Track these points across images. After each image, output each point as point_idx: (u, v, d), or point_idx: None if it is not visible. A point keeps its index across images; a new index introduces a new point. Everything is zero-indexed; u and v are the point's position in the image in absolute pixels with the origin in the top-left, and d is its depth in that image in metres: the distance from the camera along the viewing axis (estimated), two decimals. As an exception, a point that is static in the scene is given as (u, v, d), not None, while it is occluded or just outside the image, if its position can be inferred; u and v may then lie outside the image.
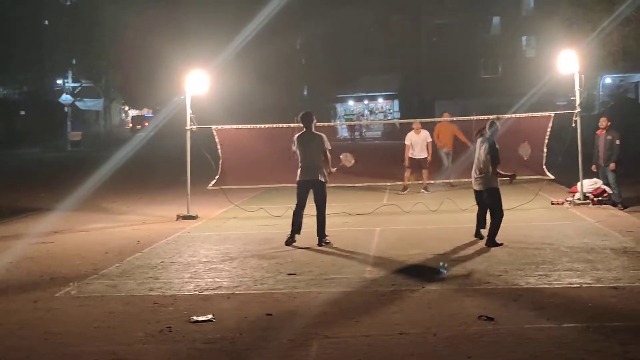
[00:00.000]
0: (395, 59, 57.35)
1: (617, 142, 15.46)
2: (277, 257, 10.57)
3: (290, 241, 11.46)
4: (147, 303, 8.16)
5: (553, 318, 7.02)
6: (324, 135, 11.68)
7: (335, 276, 9.19)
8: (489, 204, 11.16)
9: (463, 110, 39.46)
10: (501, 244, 10.71)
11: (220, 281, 9.10)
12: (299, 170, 11.62)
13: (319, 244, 11.39)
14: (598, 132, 15.79)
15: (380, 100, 62.88)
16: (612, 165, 15.38)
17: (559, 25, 22.36)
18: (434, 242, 11.28)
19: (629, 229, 12.00)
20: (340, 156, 13.33)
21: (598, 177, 15.72)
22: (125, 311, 7.87)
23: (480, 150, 11.16)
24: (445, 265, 9.38)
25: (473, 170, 11.44)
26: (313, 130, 11.67)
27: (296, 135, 11.87)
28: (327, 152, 11.57)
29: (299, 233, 11.53)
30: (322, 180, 11.50)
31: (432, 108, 53.54)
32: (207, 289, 8.69)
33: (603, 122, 15.74)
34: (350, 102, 63.70)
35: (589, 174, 15.71)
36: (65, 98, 50.64)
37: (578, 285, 8.26)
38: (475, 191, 11.46)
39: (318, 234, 11.49)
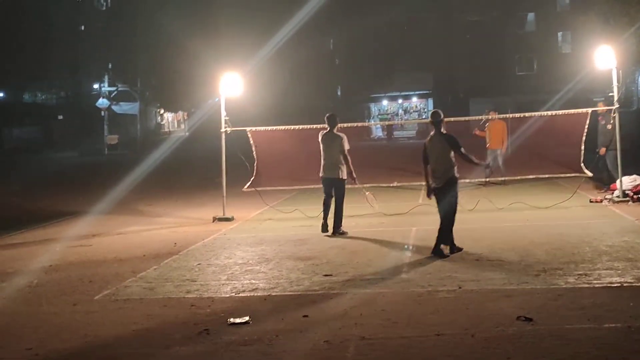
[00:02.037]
0: (428, 57, 57.06)
1: (609, 126, 15.64)
2: (313, 258, 10.57)
3: (324, 225, 12.68)
4: (185, 305, 8.21)
5: (593, 318, 6.91)
6: (344, 137, 12.62)
7: (371, 277, 9.17)
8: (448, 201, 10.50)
9: (497, 108, 39.04)
10: (452, 253, 10.34)
11: (256, 283, 9.12)
12: (321, 167, 12.77)
13: (333, 234, 12.47)
14: (599, 119, 15.80)
15: (414, 99, 62.67)
16: (602, 150, 15.55)
17: (595, 21, 22.01)
18: (470, 241, 11.17)
19: (669, 226, 11.80)
20: (367, 194, 13.73)
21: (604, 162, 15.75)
22: (163, 314, 7.93)
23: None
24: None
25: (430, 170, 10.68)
26: (335, 131, 12.64)
27: (320, 134, 12.89)
28: (346, 153, 12.53)
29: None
30: (341, 177, 12.58)
31: (467, 106, 53.20)
32: (243, 291, 8.72)
33: (600, 105, 15.67)
34: (384, 102, 63.55)
35: (631, 169, 15.55)
36: (102, 102, 51.31)
37: (619, 285, 8.13)
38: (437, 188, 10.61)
39: (334, 225, 12.55)
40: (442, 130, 10.58)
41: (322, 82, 54.10)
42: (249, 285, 9.02)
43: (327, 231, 12.66)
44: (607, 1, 22.10)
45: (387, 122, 57.33)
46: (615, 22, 21.34)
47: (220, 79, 15.41)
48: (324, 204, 12.90)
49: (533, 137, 17.17)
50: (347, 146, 12.55)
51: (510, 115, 19.14)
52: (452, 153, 10.39)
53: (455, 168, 10.42)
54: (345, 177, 12.62)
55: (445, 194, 10.44)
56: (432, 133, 10.68)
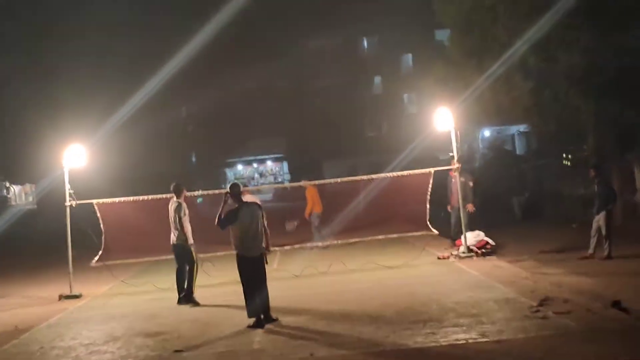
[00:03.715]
0: (281, 122, 57.89)
1: (470, 183, 16.55)
2: (164, 333, 10.24)
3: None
4: (22, 395, 7.70)
5: (440, 377, 7.04)
6: (182, 204, 12.86)
7: (223, 350, 8.98)
8: (263, 270, 10.65)
9: (351, 169, 39.95)
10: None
11: (102, 364, 8.71)
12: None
13: (182, 301, 12.61)
14: (450, 173, 16.52)
15: (269, 162, 63.20)
16: (469, 206, 16.30)
17: (435, 84, 23.06)
18: (323, 305, 11.21)
19: (511, 279, 12.33)
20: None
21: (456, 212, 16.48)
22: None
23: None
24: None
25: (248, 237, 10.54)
26: (178, 199, 12.93)
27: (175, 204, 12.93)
28: (183, 219, 12.70)
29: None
30: (176, 243, 12.81)
31: (321, 168, 54.11)
32: (88, 375, 8.29)
33: (456, 164, 16.36)
34: (240, 166, 63.70)
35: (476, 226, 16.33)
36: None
37: (464, 342, 8.35)
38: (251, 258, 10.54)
39: (185, 293, 12.71)
40: (243, 199, 10.77)
41: (176, 149, 53.53)
42: (94, 367, 8.60)
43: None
44: (445, 65, 23.18)
45: (246, 188, 57.26)
46: (453, 85, 22.37)
47: (63, 151, 14.90)
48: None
49: (381, 198, 17.56)
50: (182, 213, 12.74)
51: (320, 182, 19.76)
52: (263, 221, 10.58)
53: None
54: (182, 242, 12.72)
55: (262, 263, 10.55)
56: (236, 205, 10.61)
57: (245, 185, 15.28)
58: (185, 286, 12.71)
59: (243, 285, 10.47)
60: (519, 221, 22.58)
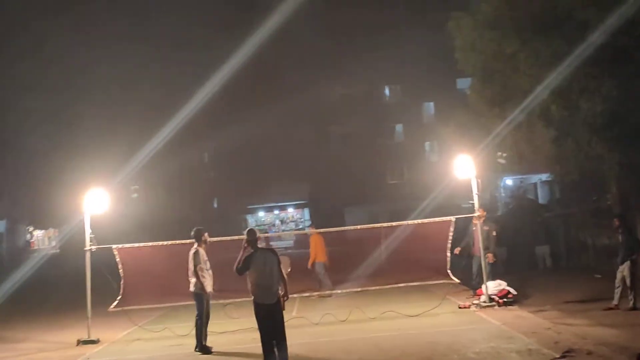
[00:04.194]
0: (303, 168, 58.04)
1: (494, 233, 16.33)
2: (180, 380, 10.14)
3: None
4: None
5: None
6: (198, 250, 12.82)
7: (239, 398, 8.85)
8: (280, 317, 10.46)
9: (371, 216, 39.87)
10: None
11: (117, 412, 8.61)
12: None
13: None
14: (474, 220, 16.28)
15: (290, 209, 63.22)
16: (490, 256, 16.06)
17: (456, 132, 23.06)
18: (342, 354, 11.07)
19: (533, 330, 12.12)
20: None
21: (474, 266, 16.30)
22: None
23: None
24: None
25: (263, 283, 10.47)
26: (198, 245, 12.89)
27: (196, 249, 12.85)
28: (196, 267, 12.69)
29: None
30: (193, 291, 12.81)
31: (342, 215, 54.03)
32: (102, 422, 8.19)
33: (480, 212, 16.19)
34: (261, 213, 63.76)
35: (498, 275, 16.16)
36: (-37, 220, 48.90)
37: (484, 393, 8.18)
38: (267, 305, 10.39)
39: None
40: (259, 246, 10.72)
41: (198, 194, 53.83)
42: (109, 414, 8.49)
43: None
44: (466, 113, 23.20)
45: (265, 234, 57.24)
46: (474, 132, 22.34)
47: (84, 196, 14.99)
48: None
49: (402, 245, 17.45)
50: (198, 261, 12.73)
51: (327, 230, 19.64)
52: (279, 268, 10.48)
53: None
54: (198, 290, 12.69)
55: (279, 310, 10.37)
56: (251, 250, 10.57)
57: (265, 232, 15.29)
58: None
59: (260, 333, 10.34)
60: (542, 271, 22.10)
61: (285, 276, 10.57)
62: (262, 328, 10.31)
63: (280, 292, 10.40)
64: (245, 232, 10.85)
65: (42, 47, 43.82)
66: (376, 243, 18.77)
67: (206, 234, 13.17)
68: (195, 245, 12.90)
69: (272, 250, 10.82)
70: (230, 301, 15.02)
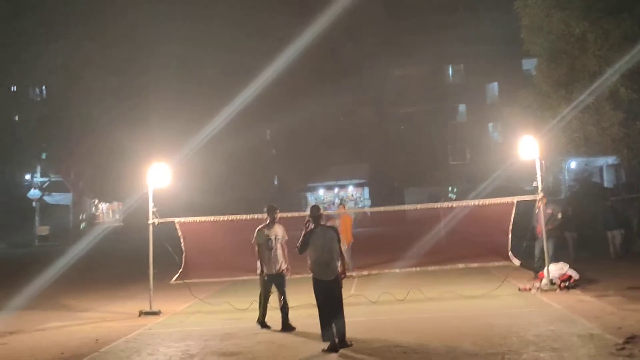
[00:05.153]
0: (364, 147, 57.94)
1: (559, 215, 16.04)
2: (238, 353, 10.28)
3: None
4: (98, 407, 7.81)
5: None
6: (256, 230, 12.41)
7: (296, 372, 8.92)
8: (338, 294, 10.54)
9: (432, 197, 39.50)
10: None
11: (177, 381, 8.77)
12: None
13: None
14: (538, 205, 15.95)
15: (350, 188, 63.20)
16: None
17: (521, 112, 22.67)
18: (398, 333, 11.05)
19: (595, 314, 11.88)
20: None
21: (541, 243, 15.99)
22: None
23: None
24: None
25: (321, 260, 10.56)
26: (272, 221, 12.41)
27: (259, 227, 12.50)
28: (253, 245, 12.40)
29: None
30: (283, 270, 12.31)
31: (402, 195, 53.82)
32: (162, 390, 8.36)
33: (540, 194, 15.90)
34: (321, 191, 63.91)
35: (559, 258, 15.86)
36: (34, 193, 50.32)
37: (543, 376, 8.07)
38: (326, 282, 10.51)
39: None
40: (322, 223, 10.78)
41: (259, 171, 54.21)
42: (169, 383, 8.66)
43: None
44: (532, 94, 22.79)
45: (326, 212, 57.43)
46: (539, 114, 21.96)
47: (148, 170, 15.23)
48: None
49: (462, 226, 17.31)
50: (253, 240, 12.49)
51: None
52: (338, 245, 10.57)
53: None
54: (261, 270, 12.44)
55: (337, 286, 10.46)
56: (312, 227, 10.70)
57: (325, 209, 15.18)
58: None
59: (318, 308, 10.44)
60: (612, 256, 21.12)
61: (344, 254, 10.62)
62: (320, 304, 10.41)
63: (339, 269, 10.46)
64: (309, 208, 10.98)
65: (107, 24, 44.60)
66: (436, 223, 18.65)
67: (277, 211, 12.76)
68: (265, 223, 12.57)
69: (332, 228, 10.88)
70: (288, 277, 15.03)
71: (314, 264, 10.47)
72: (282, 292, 12.19)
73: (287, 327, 12.06)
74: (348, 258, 18.82)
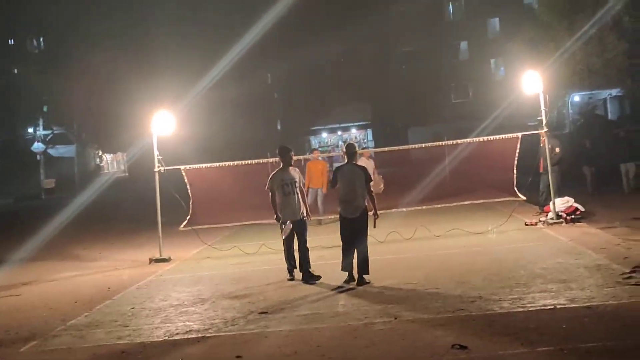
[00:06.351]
0: (365, 89, 57.67)
1: (557, 150, 16.05)
2: (250, 295, 10.40)
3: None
4: (115, 353, 7.94)
5: (527, 342, 6.90)
6: (270, 175, 11.66)
7: (307, 312, 9.04)
8: (362, 232, 10.57)
9: (435, 135, 39.45)
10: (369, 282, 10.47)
11: (190, 324, 8.90)
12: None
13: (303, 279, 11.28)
14: (542, 139, 15.96)
15: (353, 130, 63.16)
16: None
17: (523, 47, 22.48)
18: (406, 270, 11.17)
19: (602, 246, 11.96)
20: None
21: (545, 178, 16.00)
22: (92, 362, 7.66)
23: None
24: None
25: (346, 197, 10.63)
26: (286, 165, 11.56)
27: (273, 172, 11.76)
28: (302, 186, 11.72)
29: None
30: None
31: (406, 135, 53.74)
32: (177, 334, 8.49)
33: (544, 128, 15.92)
34: (324, 134, 63.90)
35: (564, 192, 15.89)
36: (38, 146, 50.32)
37: (552, 307, 8.16)
38: (350, 219, 10.62)
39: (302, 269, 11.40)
40: (354, 161, 10.91)
41: (262, 116, 54.11)
42: (183, 327, 8.79)
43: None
44: (533, 27, 22.58)
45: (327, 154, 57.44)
46: (542, 47, 21.77)
47: (152, 118, 15.20)
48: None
49: (467, 163, 17.35)
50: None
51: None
52: (365, 184, 10.64)
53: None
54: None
55: (361, 224, 10.60)
56: (344, 163, 10.94)
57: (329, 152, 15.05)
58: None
59: (342, 241, 10.77)
60: (624, 189, 20.87)
61: (373, 194, 10.73)
62: (343, 238, 10.77)
63: (364, 207, 10.58)
64: (344, 145, 11.13)
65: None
66: (440, 161, 18.64)
67: (291, 153, 11.75)
68: (282, 164, 11.57)
69: (361, 167, 10.88)
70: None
71: (340, 201, 10.78)
72: (303, 240, 11.36)
73: (309, 276, 11.18)
74: (321, 203, 18.48)
